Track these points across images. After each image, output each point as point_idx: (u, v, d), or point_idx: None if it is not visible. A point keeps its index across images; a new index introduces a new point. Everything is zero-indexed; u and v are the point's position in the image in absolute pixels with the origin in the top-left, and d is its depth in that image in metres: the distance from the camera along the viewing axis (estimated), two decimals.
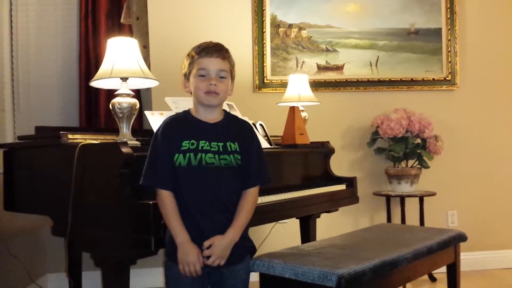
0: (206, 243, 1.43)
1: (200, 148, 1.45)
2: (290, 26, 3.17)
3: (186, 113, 1.55)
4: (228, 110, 2.22)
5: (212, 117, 1.52)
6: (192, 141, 1.46)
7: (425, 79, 3.27)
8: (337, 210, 2.56)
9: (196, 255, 1.42)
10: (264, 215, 1.90)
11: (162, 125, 1.52)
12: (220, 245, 1.42)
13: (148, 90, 2.98)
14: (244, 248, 1.54)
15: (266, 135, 2.40)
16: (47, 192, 1.92)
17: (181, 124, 1.51)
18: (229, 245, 1.44)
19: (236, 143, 1.48)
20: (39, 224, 2.69)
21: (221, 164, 1.45)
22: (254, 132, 1.58)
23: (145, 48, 2.98)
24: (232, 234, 1.45)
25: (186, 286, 1.47)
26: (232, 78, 1.55)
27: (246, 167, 1.49)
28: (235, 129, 1.53)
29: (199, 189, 1.44)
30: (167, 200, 1.45)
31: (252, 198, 1.51)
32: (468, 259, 3.08)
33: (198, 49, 1.49)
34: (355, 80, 3.22)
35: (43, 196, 1.95)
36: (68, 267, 2.10)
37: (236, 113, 2.28)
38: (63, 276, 2.54)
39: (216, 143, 1.47)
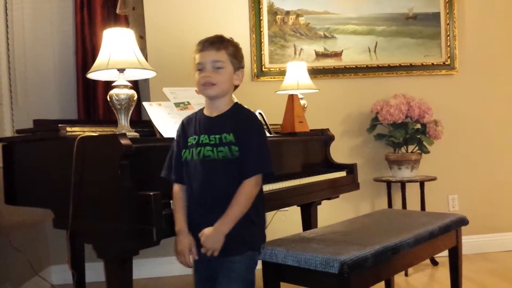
0: (200, 234, 1.46)
1: (200, 142, 1.49)
2: (288, 13, 3.14)
3: (200, 110, 1.61)
4: None
5: (216, 109, 1.53)
6: (195, 136, 1.52)
7: (424, 64, 3.25)
8: (338, 197, 2.56)
9: (187, 245, 1.46)
10: (265, 203, 1.90)
11: (180, 123, 1.61)
12: (209, 236, 1.43)
13: (146, 81, 2.96)
14: (242, 242, 1.49)
15: (265, 124, 2.39)
16: (48, 185, 1.91)
17: (191, 121, 1.58)
18: (218, 237, 1.42)
19: (231, 134, 1.46)
20: (41, 217, 2.70)
21: (218, 157, 1.45)
22: (254, 122, 1.54)
23: (141, 39, 2.96)
24: (220, 226, 1.43)
25: (195, 271, 1.58)
26: (237, 67, 1.53)
27: (243, 158, 1.46)
28: (234, 120, 1.50)
29: (194, 182, 1.49)
30: (174, 191, 1.55)
31: (246, 190, 1.45)
32: (469, 242, 3.09)
33: (197, 44, 1.53)
34: (353, 66, 3.20)
35: (43, 189, 1.95)
36: (70, 259, 2.11)
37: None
38: (66, 268, 2.55)
39: (213, 136, 1.48)
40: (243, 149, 1.46)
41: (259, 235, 1.57)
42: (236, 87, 1.57)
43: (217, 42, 1.49)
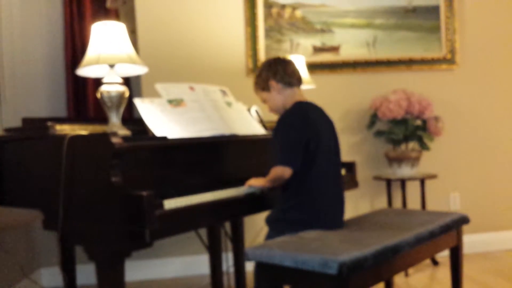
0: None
1: None
2: (284, 6, 3.08)
3: None
4: (221, 95, 2.16)
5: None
6: None
7: (424, 58, 3.20)
8: None
9: None
10: (262, 203, 1.85)
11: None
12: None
13: (138, 77, 2.90)
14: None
15: (261, 121, 2.35)
16: (37, 185, 1.88)
17: None
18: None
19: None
20: (31, 218, 2.65)
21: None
22: (279, 123, 1.87)
23: (133, 33, 2.90)
24: (255, 181, 1.87)
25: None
26: (269, 88, 1.94)
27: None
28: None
29: None
30: None
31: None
32: (471, 241, 3.06)
33: None
34: (352, 61, 3.15)
35: (33, 189, 1.91)
36: (61, 261, 2.07)
37: (230, 98, 2.22)
38: (57, 270, 2.51)
39: None
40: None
41: None
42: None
43: (254, 84, 2.00)
